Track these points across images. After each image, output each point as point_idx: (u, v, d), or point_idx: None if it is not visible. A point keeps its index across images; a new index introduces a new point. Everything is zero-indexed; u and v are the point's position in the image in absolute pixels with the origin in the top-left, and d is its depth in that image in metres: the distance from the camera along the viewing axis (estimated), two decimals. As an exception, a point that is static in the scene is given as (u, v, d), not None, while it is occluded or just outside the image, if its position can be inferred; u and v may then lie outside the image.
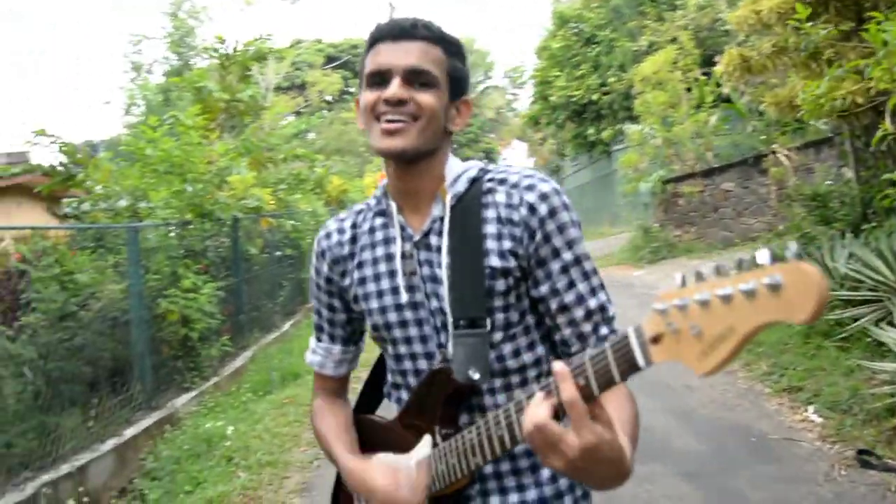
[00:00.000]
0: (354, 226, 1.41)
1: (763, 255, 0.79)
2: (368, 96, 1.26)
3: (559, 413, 0.98)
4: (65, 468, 4.57)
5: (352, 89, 36.29)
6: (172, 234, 6.96)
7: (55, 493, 4.30)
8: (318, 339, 1.49)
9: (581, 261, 1.26)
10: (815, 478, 3.88)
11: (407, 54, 1.25)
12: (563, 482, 1.33)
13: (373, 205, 1.41)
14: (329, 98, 33.37)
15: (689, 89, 13.58)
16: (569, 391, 0.94)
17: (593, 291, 1.27)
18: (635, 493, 3.88)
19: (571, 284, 1.25)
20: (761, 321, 0.79)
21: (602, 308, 1.27)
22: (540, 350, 1.32)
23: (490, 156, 40.45)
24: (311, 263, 1.47)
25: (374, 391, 1.55)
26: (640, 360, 0.91)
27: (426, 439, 1.28)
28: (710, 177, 13.36)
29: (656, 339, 0.89)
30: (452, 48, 1.31)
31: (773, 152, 11.46)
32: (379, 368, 1.54)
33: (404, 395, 1.38)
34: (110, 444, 5.15)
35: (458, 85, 1.32)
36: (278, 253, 10.34)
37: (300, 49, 28.23)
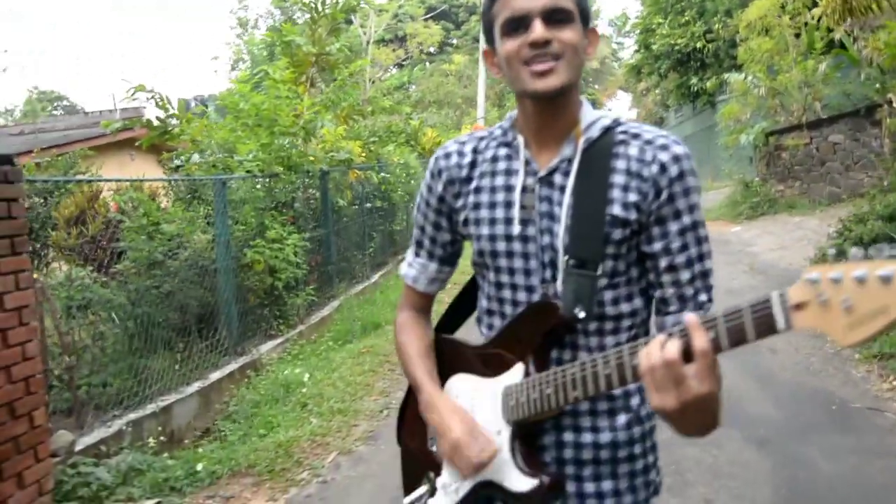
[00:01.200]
0: (475, 151, 1.44)
1: None
2: (510, 45, 1.27)
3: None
4: (150, 408, 4.83)
5: (453, 41, 35.89)
6: (259, 187, 7.13)
7: (139, 430, 4.57)
8: (417, 254, 1.54)
9: (697, 226, 1.30)
10: (895, 451, 3.65)
11: None
12: (637, 430, 1.36)
13: (497, 134, 1.43)
14: (431, 50, 33.26)
15: (797, 35, 12.66)
16: (702, 340, 1.03)
17: (702, 257, 1.31)
18: (700, 457, 3.76)
19: (685, 247, 1.29)
20: None
21: (705, 274, 1.32)
22: (637, 302, 1.35)
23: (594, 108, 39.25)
24: (424, 181, 1.50)
25: (456, 314, 1.61)
26: (781, 324, 0.97)
27: (518, 367, 1.31)
28: (817, 128, 12.51)
29: (800, 306, 0.95)
30: None
31: (889, 102, 10.56)
32: (467, 293, 1.59)
33: (497, 323, 1.41)
34: (195, 386, 5.42)
35: (586, 14, 1.32)
36: (368, 205, 10.45)
37: (400, 2, 28.09)
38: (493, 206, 1.38)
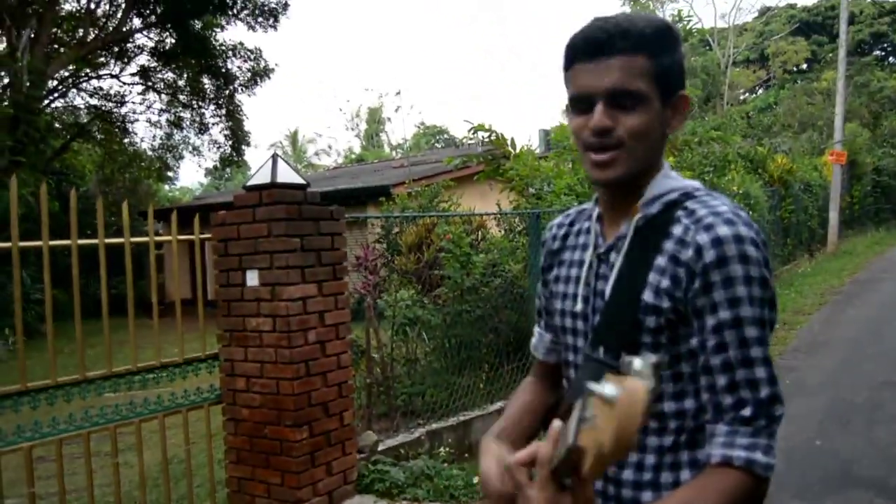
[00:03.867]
0: (572, 223, 1.43)
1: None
2: (575, 123, 1.21)
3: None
4: (451, 420, 5.37)
5: (822, 57, 32.75)
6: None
7: (436, 439, 5.11)
8: (538, 323, 1.53)
9: (743, 324, 1.10)
10: None
11: (606, 74, 1.15)
12: None
13: (591, 206, 1.39)
14: (797, 67, 30.76)
15: None
16: (543, 450, 0.94)
17: (747, 363, 1.11)
18: None
19: (722, 347, 1.12)
20: None
21: (753, 384, 1.11)
22: (688, 404, 1.19)
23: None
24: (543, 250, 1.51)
25: None
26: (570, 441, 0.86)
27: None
28: None
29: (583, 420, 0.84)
30: (658, 46, 1.17)
31: None
32: None
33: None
34: (498, 405, 5.85)
35: (669, 84, 1.20)
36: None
37: (764, 19, 26.48)
38: (567, 280, 1.36)
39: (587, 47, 1.17)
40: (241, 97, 21.18)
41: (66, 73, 18.63)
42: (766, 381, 1.12)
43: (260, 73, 20.63)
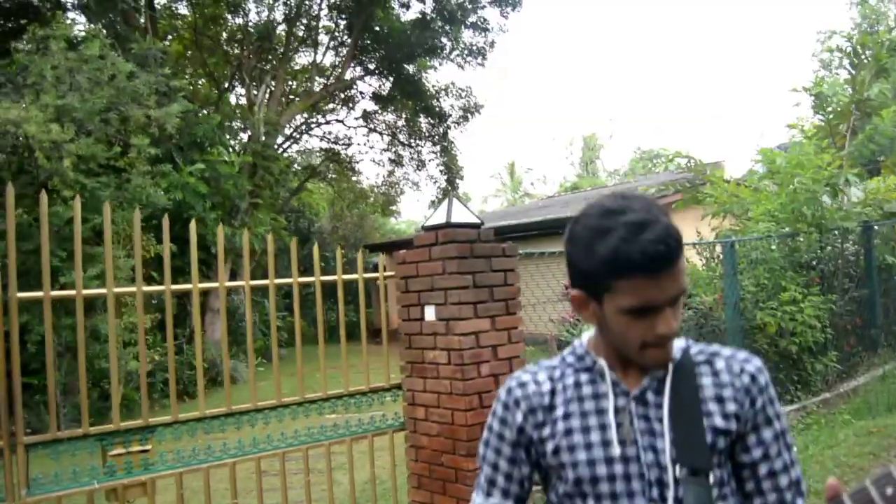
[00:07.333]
0: (552, 378, 1.44)
1: None
2: (634, 328, 1.27)
3: None
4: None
5: None
6: (774, 247, 6.97)
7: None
8: (489, 494, 1.47)
9: (786, 433, 1.38)
10: None
11: (672, 286, 1.24)
12: None
13: (571, 361, 1.45)
14: None
15: None
16: None
17: (794, 463, 1.37)
18: None
19: (780, 453, 1.36)
20: None
21: (799, 481, 1.37)
22: None
23: None
24: (495, 415, 1.47)
25: None
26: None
27: None
28: None
29: None
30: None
31: None
32: None
33: None
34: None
35: None
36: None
37: None
38: (586, 430, 1.35)
39: (651, 264, 1.20)
40: (455, 133, 22.25)
41: (299, 121, 20.65)
42: (802, 478, 1.40)
43: (470, 110, 21.50)
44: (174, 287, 3.86)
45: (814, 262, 7.18)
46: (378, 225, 29.77)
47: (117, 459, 3.61)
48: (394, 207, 27.71)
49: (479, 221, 4.49)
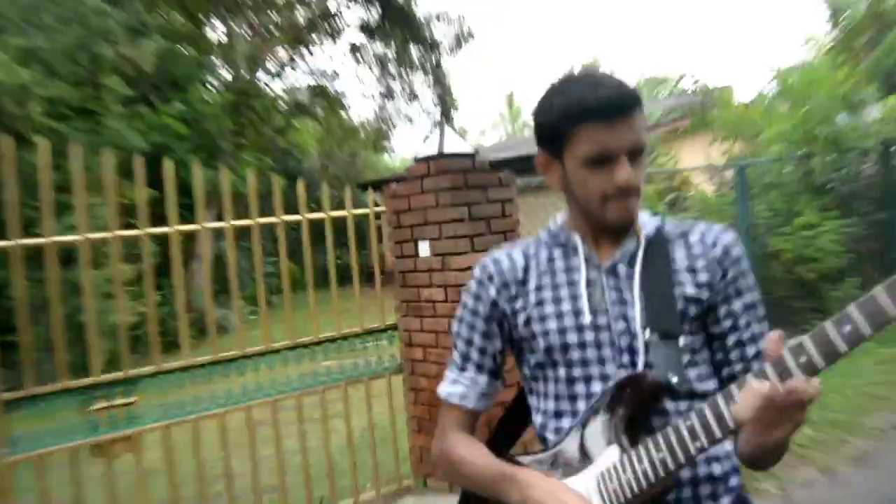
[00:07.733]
0: (525, 255, 1.47)
1: None
2: (593, 180, 1.29)
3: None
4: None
5: None
6: (787, 170, 6.67)
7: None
8: (462, 369, 1.49)
9: (757, 305, 1.36)
10: None
11: (628, 134, 1.26)
12: None
13: (545, 238, 1.48)
14: None
15: None
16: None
17: (763, 335, 1.32)
18: None
19: (749, 324, 1.34)
20: None
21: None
22: (710, 385, 1.35)
23: None
24: (469, 291, 1.49)
25: (506, 437, 1.56)
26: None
27: (612, 449, 1.27)
28: None
29: None
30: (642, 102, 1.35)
31: None
32: (512, 413, 1.56)
33: (566, 424, 1.37)
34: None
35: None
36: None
37: None
38: (557, 300, 1.38)
39: (605, 109, 1.24)
40: (450, 67, 21.61)
41: (284, 58, 19.99)
42: None
43: (464, 37, 20.86)
44: (151, 230, 3.64)
45: (830, 185, 6.86)
46: (371, 163, 29.26)
47: (101, 413, 3.43)
48: (386, 143, 27.13)
49: (473, 151, 4.22)
